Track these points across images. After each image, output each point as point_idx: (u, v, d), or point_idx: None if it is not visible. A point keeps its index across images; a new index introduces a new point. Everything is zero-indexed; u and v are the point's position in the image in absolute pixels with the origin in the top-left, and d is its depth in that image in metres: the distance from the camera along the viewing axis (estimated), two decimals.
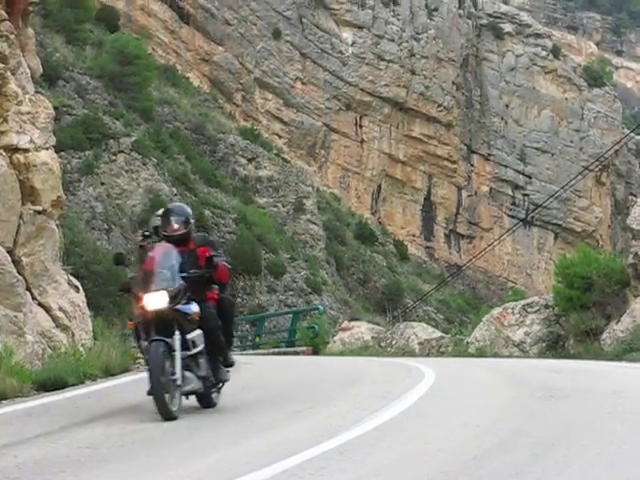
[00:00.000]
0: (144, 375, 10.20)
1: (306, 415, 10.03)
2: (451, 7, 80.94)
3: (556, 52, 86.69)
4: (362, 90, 75.66)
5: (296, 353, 25.98)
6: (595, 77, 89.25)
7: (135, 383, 12.66)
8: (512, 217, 79.41)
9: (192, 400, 10.58)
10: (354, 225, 66.62)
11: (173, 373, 9.71)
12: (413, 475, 6.93)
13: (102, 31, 59.94)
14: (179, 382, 9.76)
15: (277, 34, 72.67)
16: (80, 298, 16.04)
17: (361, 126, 75.97)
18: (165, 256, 10.08)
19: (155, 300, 9.80)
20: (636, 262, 19.33)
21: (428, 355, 22.94)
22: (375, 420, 9.27)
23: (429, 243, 77.86)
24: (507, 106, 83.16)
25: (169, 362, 9.69)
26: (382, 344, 25.18)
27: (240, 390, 12.41)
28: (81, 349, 14.63)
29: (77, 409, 10.84)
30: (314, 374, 15.32)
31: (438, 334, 24.83)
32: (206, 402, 10.67)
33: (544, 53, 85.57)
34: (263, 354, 26.27)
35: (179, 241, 10.35)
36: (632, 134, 63.44)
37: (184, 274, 10.08)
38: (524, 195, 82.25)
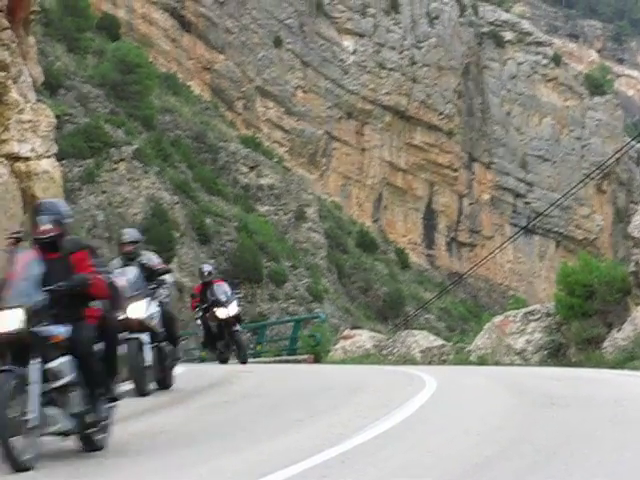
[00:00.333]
0: None
1: (307, 423, 10.01)
2: (452, 15, 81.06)
3: (557, 60, 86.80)
4: (363, 98, 75.72)
5: (297, 361, 25.91)
6: (596, 85, 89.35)
7: None
8: (513, 225, 79.34)
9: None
10: (355, 233, 66.70)
11: (25, 412, 7.79)
12: None
13: (103, 40, 60.01)
14: (35, 422, 7.82)
15: (278, 42, 72.72)
16: None
17: (362, 134, 76.00)
18: (28, 265, 8.30)
19: (7, 320, 7.94)
20: (637, 270, 19.30)
21: (430, 363, 22.89)
22: (376, 428, 9.26)
23: (430, 251, 77.85)
24: (508, 114, 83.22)
25: (21, 397, 7.80)
26: (383, 352, 25.13)
27: (241, 399, 12.41)
28: None
29: None
30: (315, 382, 15.28)
31: (440, 342, 24.77)
32: (88, 444, 8.68)
33: (545, 61, 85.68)
34: (265, 362, 26.22)
35: (49, 245, 8.55)
36: (633, 142, 63.41)
37: (51, 287, 8.25)
38: (525, 203, 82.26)
